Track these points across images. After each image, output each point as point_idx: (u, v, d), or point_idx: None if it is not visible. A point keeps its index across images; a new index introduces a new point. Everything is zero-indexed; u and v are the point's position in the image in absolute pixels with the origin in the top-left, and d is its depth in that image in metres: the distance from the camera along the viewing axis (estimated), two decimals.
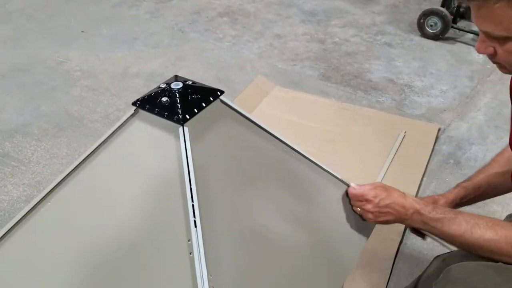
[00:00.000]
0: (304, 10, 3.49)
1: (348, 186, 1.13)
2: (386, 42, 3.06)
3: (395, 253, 1.60)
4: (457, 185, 1.26)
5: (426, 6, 3.38)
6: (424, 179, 1.94)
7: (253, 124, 1.00)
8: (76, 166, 0.92)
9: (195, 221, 0.81)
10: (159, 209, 0.87)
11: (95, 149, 0.92)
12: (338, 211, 1.12)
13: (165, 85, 0.93)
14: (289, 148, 1.07)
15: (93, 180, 0.92)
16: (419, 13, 3.14)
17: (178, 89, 0.91)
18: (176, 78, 0.96)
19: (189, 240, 0.82)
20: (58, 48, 2.87)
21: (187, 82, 0.94)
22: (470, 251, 0.98)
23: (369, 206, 1.08)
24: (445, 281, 0.94)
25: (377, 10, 3.49)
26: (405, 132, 2.16)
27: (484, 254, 0.95)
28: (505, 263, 0.93)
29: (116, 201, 0.89)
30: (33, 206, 0.94)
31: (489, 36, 0.85)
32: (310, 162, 1.08)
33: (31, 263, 0.90)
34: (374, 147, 2.09)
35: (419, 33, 3.10)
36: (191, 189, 0.82)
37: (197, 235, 0.81)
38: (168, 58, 2.79)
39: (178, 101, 0.89)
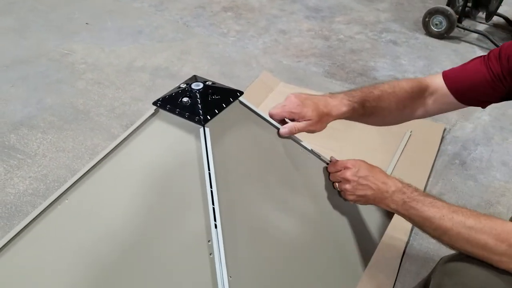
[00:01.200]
0: (308, 6, 3.48)
1: (328, 163, 1.08)
2: (391, 40, 3.05)
3: (401, 254, 1.61)
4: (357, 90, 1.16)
5: (431, 5, 3.38)
6: (430, 179, 1.95)
7: (270, 125, 1.00)
8: (95, 164, 0.92)
9: (215, 222, 0.82)
10: (179, 210, 0.87)
11: (114, 147, 0.92)
12: (351, 214, 1.12)
13: (185, 85, 0.93)
14: (305, 150, 1.07)
15: (111, 179, 0.92)
16: (423, 11, 3.14)
17: (198, 89, 0.91)
18: (196, 78, 0.95)
19: (209, 241, 0.82)
20: (62, 40, 2.85)
21: (207, 83, 0.93)
22: (441, 238, 0.94)
23: (348, 174, 1.02)
24: (442, 274, 0.96)
25: (382, 8, 3.49)
26: (411, 132, 2.16)
27: (456, 242, 0.90)
28: (472, 257, 0.89)
29: (134, 201, 0.89)
30: (50, 204, 0.94)
31: None
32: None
33: (49, 259, 0.90)
34: (379, 146, 2.10)
35: (424, 32, 3.10)
36: (211, 191, 0.83)
37: (217, 236, 0.81)
38: (173, 52, 2.78)
39: (199, 102, 0.89)
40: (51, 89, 2.41)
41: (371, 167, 1.03)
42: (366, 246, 1.18)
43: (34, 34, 2.92)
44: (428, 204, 0.94)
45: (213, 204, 0.82)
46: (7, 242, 0.89)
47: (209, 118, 0.86)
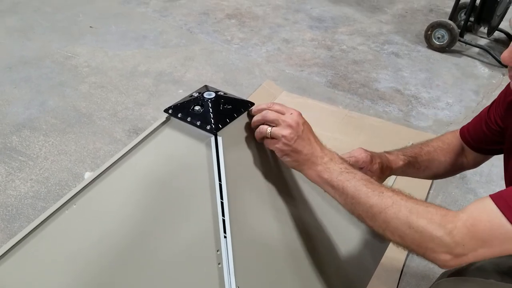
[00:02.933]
0: (311, 16, 3.50)
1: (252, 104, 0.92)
2: (393, 52, 3.07)
3: (402, 266, 1.61)
4: (401, 152, 1.17)
5: (433, 18, 3.41)
6: (431, 191, 1.96)
7: None
8: (105, 170, 0.92)
9: (225, 231, 0.82)
10: (188, 218, 0.87)
11: (125, 153, 0.92)
12: (353, 233, 1.12)
13: (197, 94, 0.93)
14: None
15: (120, 186, 0.92)
16: (425, 24, 3.17)
17: (210, 98, 0.91)
18: (207, 88, 0.96)
19: (218, 251, 0.82)
20: (66, 43, 2.86)
21: (219, 93, 0.94)
22: (375, 218, 0.80)
23: (289, 126, 0.85)
24: None
25: (384, 19, 3.51)
26: (411, 144, 2.17)
27: (391, 223, 0.78)
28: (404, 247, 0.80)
29: (143, 208, 0.89)
30: (58, 208, 0.94)
31: None
32: None
33: (56, 262, 0.90)
34: None
35: (426, 45, 3.12)
36: (222, 203, 0.83)
37: (226, 246, 0.81)
38: (177, 58, 2.78)
39: (211, 111, 0.89)
40: (54, 92, 2.41)
41: (312, 132, 0.89)
42: (367, 261, 1.18)
43: (38, 35, 2.93)
44: (365, 179, 0.83)
45: (223, 216, 0.82)
46: (15, 244, 0.89)
47: (220, 126, 0.87)
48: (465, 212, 0.76)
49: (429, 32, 3.08)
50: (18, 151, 2.00)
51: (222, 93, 0.94)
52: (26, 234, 0.90)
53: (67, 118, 2.22)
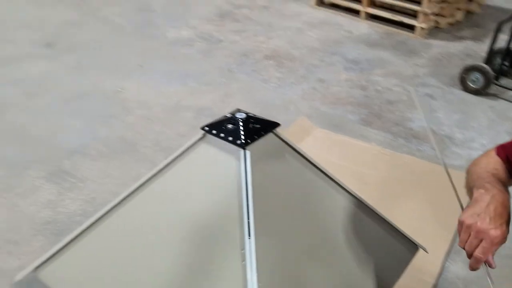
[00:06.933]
0: (347, 58, 3.63)
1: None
2: (428, 94, 3.14)
3: None
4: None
5: (469, 62, 3.46)
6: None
7: (302, 158, 1.11)
8: (147, 180, 1.05)
9: (249, 233, 0.92)
10: (218, 219, 0.97)
11: (165, 165, 1.04)
12: (372, 249, 1.18)
13: (230, 114, 1.06)
14: (335, 184, 1.16)
15: (161, 194, 1.04)
16: (461, 67, 3.23)
17: (241, 118, 1.03)
18: (239, 110, 1.08)
19: (242, 250, 0.92)
20: (116, 79, 3.09)
21: (249, 114, 1.06)
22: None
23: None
24: None
25: (420, 63, 3.60)
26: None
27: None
28: None
29: (180, 211, 1.00)
30: (99, 216, 1.07)
31: None
32: (361, 204, 1.16)
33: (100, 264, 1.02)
34: (414, 194, 2.14)
35: (461, 87, 3.17)
36: (248, 205, 0.93)
37: (250, 245, 0.91)
38: (217, 95, 2.96)
39: (241, 129, 1.01)
40: (104, 122, 2.61)
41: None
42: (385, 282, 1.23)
43: (93, 72, 3.19)
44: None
45: (248, 218, 0.92)
46: (74, 238, 1.02)
47: (249, 142, 0.98)
48: None
49: (464, 75, 3.13)
50: (69, 173, 2.18)
51: (252, 115, 1.06)
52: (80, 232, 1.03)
53: (114, 146, 2.40)
